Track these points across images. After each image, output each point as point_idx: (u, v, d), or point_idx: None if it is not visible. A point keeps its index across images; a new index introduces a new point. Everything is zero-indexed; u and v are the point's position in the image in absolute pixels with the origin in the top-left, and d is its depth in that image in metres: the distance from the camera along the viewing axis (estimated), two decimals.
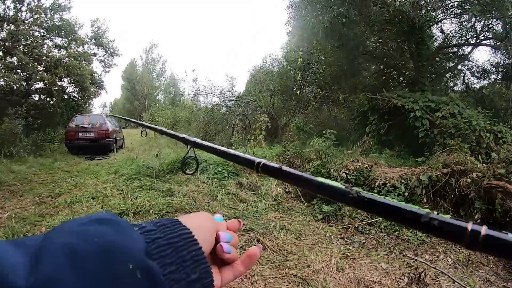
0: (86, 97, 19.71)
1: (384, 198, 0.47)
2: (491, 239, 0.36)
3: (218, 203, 5.89)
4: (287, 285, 3.57)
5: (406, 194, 5.59)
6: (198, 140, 1.04)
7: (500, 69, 12.35)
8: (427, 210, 0.44)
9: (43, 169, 9.79)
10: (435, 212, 0.42)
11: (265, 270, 3.86)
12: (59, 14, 18.44)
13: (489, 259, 4.76)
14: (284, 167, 0.63)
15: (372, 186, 6.00)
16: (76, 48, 19.54)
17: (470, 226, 0.38)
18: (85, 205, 5.76)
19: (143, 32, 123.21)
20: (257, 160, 0.72)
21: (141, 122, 2.08)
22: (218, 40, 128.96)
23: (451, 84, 13.99)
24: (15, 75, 14.86)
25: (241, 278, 3.64)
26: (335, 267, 4.02)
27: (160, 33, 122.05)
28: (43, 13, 17.30)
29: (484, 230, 0.37)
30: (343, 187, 0.52)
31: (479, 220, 5.27)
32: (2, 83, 15.44)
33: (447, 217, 0.41)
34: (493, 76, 12.93)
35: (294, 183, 0.62)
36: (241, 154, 0.84)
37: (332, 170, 6.37)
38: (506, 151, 5.97)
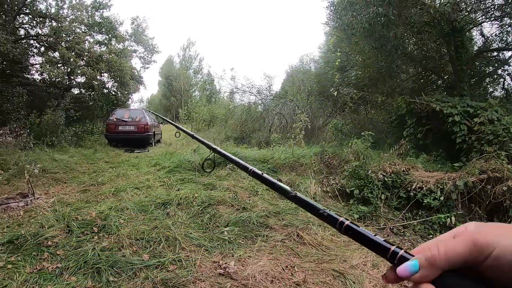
0: (126, 92, 20.33)
1: (310, 199, 0.78)
2: (349, 228, 0.64)
3: (258, 198, 6.15)
4: (325, 278, 3.82)
5: (442, 198, 5.70)
6: (218, 148, 1.34)
7: None
8: (323, 207, 0.73)
9: (84, 159, 10.26)
10: (326, 209, 0.72)
11: (305, 263, 4.11)
12: (100, 11, 19.18)
13: None
14: (255, 169, 0.97)
15: (409, 189, 6.13)
16: (117, 45, 20.22)
17: (340, 219, 0.67)
18: (130, 194, 6.09)
19: (181, 29, 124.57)
20: (250, 167, 1.01)
21: (174, 123, 2.25)
22: (255, 39, 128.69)
23: (491, 89, 13.67)
24: (57, 70, 15.48)
25: (282, 268, 3.94)
26: (370, 264, 4.24)
27: (197, 30, 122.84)
28: (84, 11, 18.03)
29: (347, 222, 0.65)
30: (288, 188, 0.86)
31: None
32: (46, 76, 16.30)
33: (331, 212, 0.70)
34: None
35: (260, 181, 0.95)
36: (241, 161, 1.10)
37: (370, 171, 6.54)
38: None
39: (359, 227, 0.64)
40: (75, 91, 18.47)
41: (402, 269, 0.54)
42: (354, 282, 3.76)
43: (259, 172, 0.96)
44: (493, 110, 7.87)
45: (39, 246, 3.89)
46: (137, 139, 14.30)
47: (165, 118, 2.83)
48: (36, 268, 3.43)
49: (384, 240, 0.60)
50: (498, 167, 5.84)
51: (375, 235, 0.61)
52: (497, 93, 13.41)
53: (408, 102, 9.41)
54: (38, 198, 5.77)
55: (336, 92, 15.32)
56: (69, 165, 8.82)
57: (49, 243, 3.99)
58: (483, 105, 8.27)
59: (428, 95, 9.73)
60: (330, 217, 0.70)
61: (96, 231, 4.43)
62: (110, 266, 3.52)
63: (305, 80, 17.68)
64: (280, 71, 67.90)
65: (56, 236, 4.21)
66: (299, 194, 0.81)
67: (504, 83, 13.00)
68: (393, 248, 0.58)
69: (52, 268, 3.45)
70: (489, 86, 13.63)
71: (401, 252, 0.56)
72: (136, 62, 38.52)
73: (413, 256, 0.55)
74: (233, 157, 1.17)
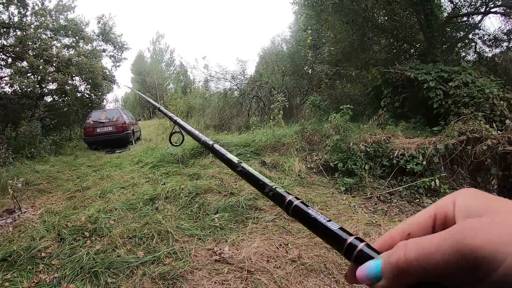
0: (100, 93, 20.00)
1: (257, 172, 0.67)
2: (297, 209, 0.53)
3: (245, 182, 6.11)
4: (319, 251, 3.85)
5: (424, 163, 5.80)
6: (178, 120, 1.33)
7: None
8: (274, 184, 0.61)
9: (66, 166, 10.05)
10: (276, 187, 0.59)
11: (297, 239, 4.14)
12: (64, 14, 18.60)
13: None
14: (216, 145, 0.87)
15: (391, 157, 6.21)
16: (85, 46, 19.68)
17: (288, 197, 0.55)
18: (117, 194, 6.01)
19: (149, 23, 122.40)
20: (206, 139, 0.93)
21: (175, 119, 2.11)
22: (224, 25, 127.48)
23: (463, 54, 13.87)
24: (27, 79, 15.08)
25: (276, 247, 3.95)
26: (362, 233, 4.30)
27: (165, 22, 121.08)
28: (48, 16, 17.44)
29: (296, 202, 0.54)
30: (235, 159, 0.76)
31: (496, 186, 5.49)
32: (17, 87, 15.79)
33: (281, 190, 0.58)
34: (505, 43, 12.85)
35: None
36: (195, 131, 1.04)
37: (351, 144, 6.59)
38: None
39: (310, 208, 0.52)
40: (48, 99, 18.04)
41: (361, 273, 0.40)
42: None
43: (210, 142, 0.89)
44: (467, 73, 7.97)
45: (33, 259, 3.83)
46: (117, 139, 14.09)
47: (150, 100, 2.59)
48: (34, 282, 3.39)
49: (340, 228, 0.47)
50: (476, 128, 5.95)
51: (328, 221, 0.49)
52: (469, 57, 13.62)
53: (382, 72, 9.47)
54: (25, 212, 5.63)
55: (310, 69, 15.32)
56: (51, 175, 8.66)
57: (43, 254, 3.93)
58: (456, 69, 8.37)
59: (402, 64, 9.78)
60: (277, 196, 0.59)
61: (88, 235, 4.38)
62: (107, 268, 3.52)
63: (278, 61, 17.64)
64: (253, 55, 67.51)
65: (49, 246, 4.14)
66: (246, 166, 0.71)
67: (475, 47, 13.21)
68: (350, 239, 0.44)
69: (49, 279, 3.42)
70: (461, 51, 13.82)
71: (361, 245, 0.43)
72: (106, 62, 37.95)
73: (376, 252, 0.41)
74: (189, 128, 1.13)
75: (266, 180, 0.63)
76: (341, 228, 0.47)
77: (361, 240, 0.43)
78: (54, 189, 7.19)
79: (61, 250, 3.99)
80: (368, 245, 0.43)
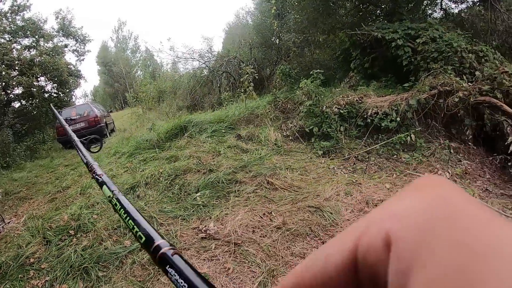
0: (67, 90, 19.37)
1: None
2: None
3: (222, 157, 6.09)
4: (303, 215, 3.85)
5: (398, 119, 5.83)
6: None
7: None
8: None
9: (44, 169, 9.83)
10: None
11: (280, 206, 4.14)
12: (20, 15, 17.86)
13: (485, 171, 5.10)
14: None
15: (365, 116, 6.22)
16: (46, 44, 18.96)
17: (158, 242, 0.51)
18: (97, 189, 5.85)
19: (109, 11, 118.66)
20: None
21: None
22: (185, 3, 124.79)
23: (430, 12, 13.84)
24: None
25: (260, 216, 3.94)
26: (343, 193, 4.32)
27: (126, 9, 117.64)
28: (3, 18, 16.73)
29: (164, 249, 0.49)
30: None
31: (470, 137, 5.59)
32: None
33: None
34: None
35: None
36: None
37: (324, 107, 6.56)
38: (489, 68, 6.15)
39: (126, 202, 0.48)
40: (16, 104, 17.45)
41: None
42: (331, 213, 3.81)
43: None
44: (434, 29, 8.00)
45: (23, 267, 3.76)
46: (91, 134, 13.67)
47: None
48: None
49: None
50: (447, 81, 6.01)
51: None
52: (436, 15, 13.60)
53: (349, 35, 9.43)
54: (9, 222, 5.47)
55: (277, 40, 15.21)
56: (30, 181, 8.46)
57: (31, 260, 3.86)
58: (423, 25, 8.39)
59: (369, 26, 9.74)
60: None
61: (73, 233, 4.30)
62: (96, 262, 3.50)
63: (244, 34, 17.43)
64: (218, 31, 66.41)
65: (36, 251, 4.06)
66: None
67: (441, 3, 13.18)
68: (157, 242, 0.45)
69: (41, 283, 3.38)
70: (427, 8, 13.77)
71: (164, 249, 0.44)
72: (70, 57, 36.80)
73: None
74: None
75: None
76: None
77: (172, 247, 0.40)
78: (35, 195, 7.03)
79: (49, 253, 3.92)
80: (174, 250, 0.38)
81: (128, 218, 0.64)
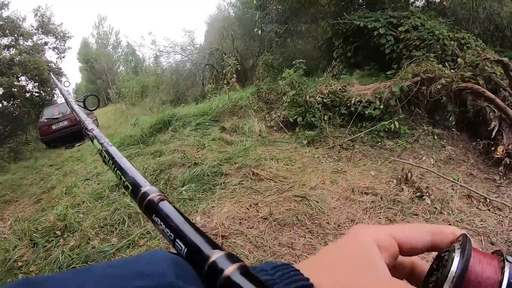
0: (48, 89, 18.99)
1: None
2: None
3: (207, 150, 6.04)
4: (289, 205, 3.83)
5: (382, 107, 5.83)
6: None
7: None
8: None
9: (28, 171, 9.56)
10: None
11: (266, 197, 4.11)
12: None
13: (469, 156, 5.14)
14: None
15: (349, 104, 6.22)
16: (25, 43, 18.63)
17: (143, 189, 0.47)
18: (82, 187, 5.77)
19: (88, 7, 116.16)
20: None
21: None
22: None
23: (412, 0, 13.98)
24: None
25: (247, 208, 3.90)
26: (329, 182, 4.31)
27: (105, 3, 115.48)
28: None
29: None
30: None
31: (454, 123, 5.63)
32: None
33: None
34: None
35: None
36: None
37: (308, 97, 6.54)
38: (471, 55, 6.18)
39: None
40: None
41: None
42: (317, 202, 3.79)
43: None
44: (416, 17, 8.06)
45: (11, 271, 3.68)
46: (74, 132, 13.32)
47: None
48: None
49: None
50: (429, 68, 6.02)
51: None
52: (418, 3, 13.62)
53: (332, 24, 9.42)
54: None
55: (260, 30, 15.15)
56: (15, 183, 8.24)
57: (19, 264, 3.77)
58: (405, 14, 8.45)
59: (351, 15, 9.74)
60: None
61: (60, 234, 4.21)
62: (84, 262, 3.44)
63: (226, 26, 17.33)
64: (200, 23, 65.64)
65: (24, 254, 3.96)
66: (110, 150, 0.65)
67: None
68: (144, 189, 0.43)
69: None
70: None
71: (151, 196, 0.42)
72: (50, 55, 35.96)
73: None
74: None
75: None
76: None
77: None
78: (20, 197, 6.87)
79: (37, 255, 3.84)
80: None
81: (116, 168, 0.61)
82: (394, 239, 0.38)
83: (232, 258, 0.30)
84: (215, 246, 0.33)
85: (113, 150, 0.67)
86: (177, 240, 0.36)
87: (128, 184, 0.53)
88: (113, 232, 3.96)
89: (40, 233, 4.30)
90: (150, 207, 0.44)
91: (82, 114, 0.96)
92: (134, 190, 0.50)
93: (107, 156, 0.66)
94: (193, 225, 0.37)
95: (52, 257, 3.66)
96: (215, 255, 0.31)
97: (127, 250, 3.49)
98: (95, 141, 0.76)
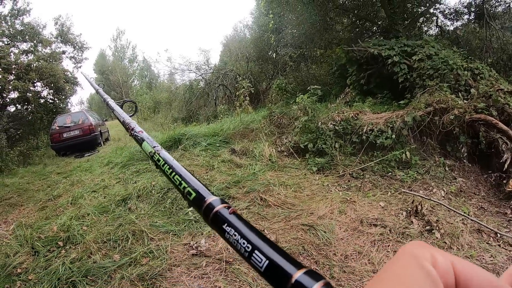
0: (63, 97, 19.26)
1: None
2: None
3: (216, 172, 6.03)
4: (296, 234, 3.78)
5: (393, 136, 5.78)
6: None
7: (472, 9, 12.36)
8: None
9: (36, 176, 9.63)
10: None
11: (273, 224, 4.08)
12: (20, 19, 17.83)
13: (480, 188, 5.05)
14: None
15: (360, 133, 6.18)
16: (44, 50, 18.90)
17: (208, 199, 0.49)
18: (88, 199, 5.79)
19: (108, 20, 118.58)
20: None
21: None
22: (184, 15, 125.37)
23: (425, 29, 13.98)
24: None
25: None
26: (337, 211, 4.25)
27: (124, 18, 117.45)
28: (3, 22, 16.70)
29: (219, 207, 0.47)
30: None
31: (465, 154, 5.56)
32: None
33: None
34: (466, 16, 12.96)
35: None
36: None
37: (320, 123, 6.53)
38: (485, 86, 6.15)
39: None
40: (11, 108, 17.27)
41: None
42: (325, 232, 3.75)
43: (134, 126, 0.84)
44: (430, 46, 8.03)
45: (9, 277, 3.68)
46: (85, 142, 13.58)
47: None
48: None
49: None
50: (443, 99, 5.99)
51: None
52: (432, 32, 13.74)
53: (346, 51, 9.46)
54: None
55: (274, 54, 15.31)
56: (22, 187, 8.29)
57: (19, 270, 3.77)
58: (419, 43, 8.43)
59: (365, 42, 9.78)
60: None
61: (62, 244, 4.21)
62: (84, 276, 3.41)
63: (242, 47, 17.55)
64: (216, 44, 66.57)
65: (24, 261, 3.97)
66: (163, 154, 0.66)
67: (437, 21, 13.32)
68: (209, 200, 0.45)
69: None
70: (423, 25, 13.94)
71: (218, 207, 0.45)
72: (67, 64, 36.55)
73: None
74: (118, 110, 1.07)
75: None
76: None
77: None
78: (26, 202, 6.90)
79: (37, 264, 3.84)
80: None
81: (173, 173, 0.62)
82: (453, 267, 0.33)
83: (314, 275, 0.32)
84: (296, 263, 0.35)
85: (167, 154, 0.70)
86: (256, 252, 0.38)
87: (190, 191, 0.55)
88: (116, 248, 3.94)
89: (42, 242, 4.32)
90: (221, 217, 0.46)
91: (125, 115, 0.96)
92: (198, 199, 0.53)
93: (161, 160, 0.68)
94: (270, 240, 0.40)
95: (52, 267, 3.66)
96: (298, 273, 0.33)
97: (129, 268, 3.46)
98: (144, 144, 0.78)
